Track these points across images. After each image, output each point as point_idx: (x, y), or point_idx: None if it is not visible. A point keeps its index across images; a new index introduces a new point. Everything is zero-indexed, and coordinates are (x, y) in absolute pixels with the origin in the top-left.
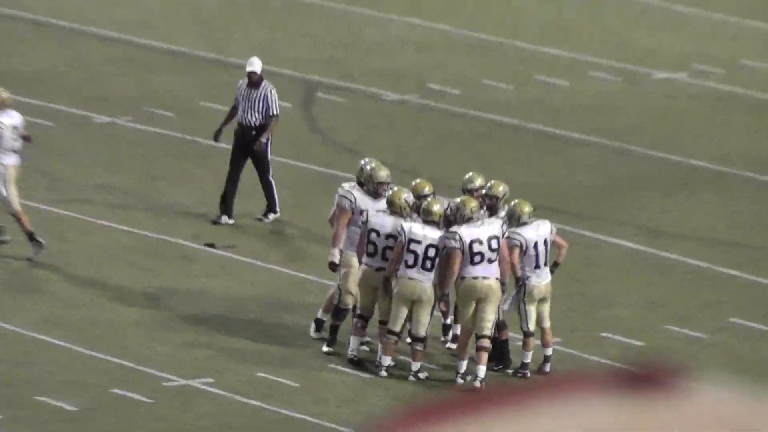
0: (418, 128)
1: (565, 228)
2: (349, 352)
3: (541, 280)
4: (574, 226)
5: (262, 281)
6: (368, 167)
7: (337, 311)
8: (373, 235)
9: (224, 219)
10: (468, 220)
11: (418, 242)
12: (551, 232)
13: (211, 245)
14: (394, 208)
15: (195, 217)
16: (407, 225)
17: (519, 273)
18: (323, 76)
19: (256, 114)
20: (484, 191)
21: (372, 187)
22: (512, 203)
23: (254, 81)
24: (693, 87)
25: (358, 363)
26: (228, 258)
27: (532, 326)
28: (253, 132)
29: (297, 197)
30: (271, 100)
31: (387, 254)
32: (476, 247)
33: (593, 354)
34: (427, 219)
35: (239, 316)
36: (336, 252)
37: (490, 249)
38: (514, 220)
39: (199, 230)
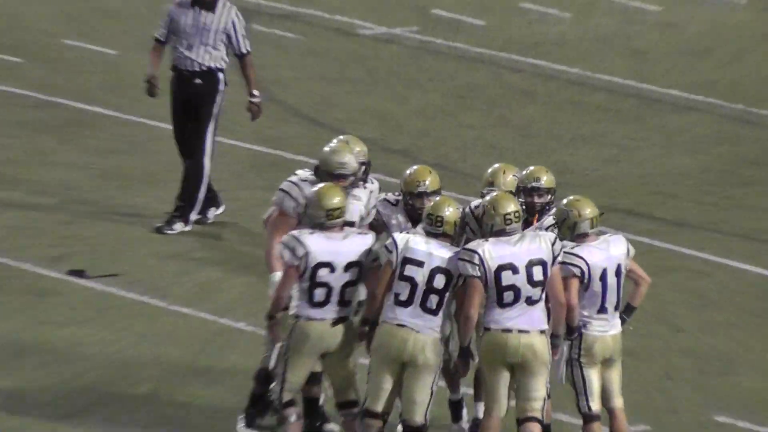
0: (416, 82)
1: (654, 243)
2: None
3: (608, 329)
4: (670, 241)
5: (162, 331)
6: (329, 147)
7: (265, 376)
8: (323, 271)
9: (211, 212)
10: (499, 231)
11: (419, 264)
12: (627, 255)
13: (80, 273)
14: (341, 213)
15: (56, 226)
16: (401, 237)
17: (576, 320)
18: None
19: (207, 51)
20: (518, 183)
21: (324, 179)
22: (563, 202)
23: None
24: None
25: None
26: (107, 294)
27: (595, 404)
28: (197, 80)
29: (223, 194)
30: (238, 31)
31: (346, 296)
32: (507, 278)
33: None
34: (434, 229)
35: (124, 389)
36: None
37: (532, 282)
38: (566, 229)
39: (62, 249)
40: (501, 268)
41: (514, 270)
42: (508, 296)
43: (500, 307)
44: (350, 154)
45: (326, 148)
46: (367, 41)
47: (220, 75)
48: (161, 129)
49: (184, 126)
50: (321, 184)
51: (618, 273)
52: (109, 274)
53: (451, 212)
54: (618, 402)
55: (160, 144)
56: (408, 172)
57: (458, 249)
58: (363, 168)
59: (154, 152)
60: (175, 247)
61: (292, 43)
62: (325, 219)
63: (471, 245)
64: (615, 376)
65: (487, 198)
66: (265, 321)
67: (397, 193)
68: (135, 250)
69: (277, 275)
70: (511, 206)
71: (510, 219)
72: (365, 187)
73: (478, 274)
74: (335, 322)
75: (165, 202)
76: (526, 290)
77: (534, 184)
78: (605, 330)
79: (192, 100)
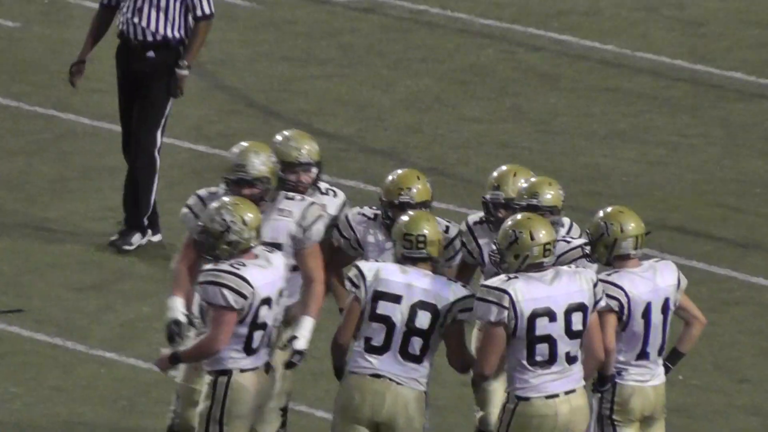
0: (404, 63)
1: (713, 270)
2: None
3: (648, 379)
4: (734, 267)
5: (80, 383)
6: (238, 145)
7: None
8: (264, 309)
9: (143, 237)
10: (535, 265)
11: (395, 299)
12: (678, 288)
13: None
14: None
15: None
16: (369, 266)
17: (611, 367)
18: None
19: (161, 16)
20: (515, 198)
21: (229, 187)
22: (600, 215)
23: None
24: None
25: None
26: (9, 335)
27: None
28: (150, 54)
29: (160, 208)
30: None
31: (272, 335)
32: (542, 327)
33: None
34: (415, 252)
35: None
36: (177, 312)
37: (570, 332)
38: (602, 248)
39: None
40: (535, 315)
41: (552, 317)
42: (541, 350)
43: (533, 367)
44: (258, 155)
45: (244, 151)
46: (341, 10)
47: (182, 49)
48: (76, 123)
49: (131, 112)
50: (224, 198)
51: (665, 309)
52: (12, 310)
53: (433, 230)
54: None
55: (74, 143)
56: (390, 177)
57: (444, 277)
58: (314, 171)
59: (67, 153)
60: (95, 276)
61: (244, 13)
62: (256, 240)
63: (497, 282)
64: None
65: (511, 222)
66: (165, 362)
67: (375, 207)
68: (45, 278)
69: (177, 300)
70: (547, 232)
71: (549, 249)
72: (303, 199)
73: (506, 320)
74: (267, 368)
75: (84, 217)
76: (564, 343)
77: (532, 201)
78: (645, 380)
79: (141, 79)
